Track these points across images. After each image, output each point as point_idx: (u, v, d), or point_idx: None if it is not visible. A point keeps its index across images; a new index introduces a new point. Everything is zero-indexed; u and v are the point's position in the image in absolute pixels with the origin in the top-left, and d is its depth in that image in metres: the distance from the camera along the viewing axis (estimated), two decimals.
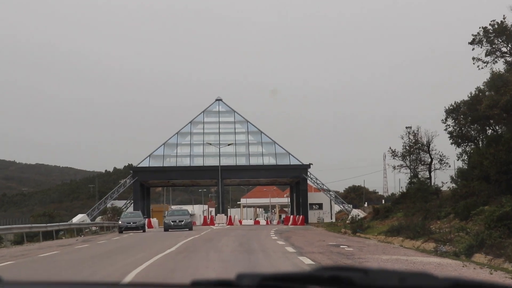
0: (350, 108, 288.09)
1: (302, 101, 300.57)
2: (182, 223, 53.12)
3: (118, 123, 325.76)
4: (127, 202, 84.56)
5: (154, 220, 74.27)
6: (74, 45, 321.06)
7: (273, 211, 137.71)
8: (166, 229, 52.40)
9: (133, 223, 53.69)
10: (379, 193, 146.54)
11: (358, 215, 65.74)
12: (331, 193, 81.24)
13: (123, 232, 52.79)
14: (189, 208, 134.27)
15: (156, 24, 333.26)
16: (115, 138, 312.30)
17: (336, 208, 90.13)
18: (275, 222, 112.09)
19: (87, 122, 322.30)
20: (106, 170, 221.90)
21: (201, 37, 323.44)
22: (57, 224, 44.57)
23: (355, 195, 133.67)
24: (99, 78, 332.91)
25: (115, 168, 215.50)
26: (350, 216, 65.09)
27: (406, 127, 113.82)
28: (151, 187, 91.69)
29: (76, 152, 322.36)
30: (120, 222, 54.70)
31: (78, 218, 70.70)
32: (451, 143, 56.50)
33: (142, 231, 53.61)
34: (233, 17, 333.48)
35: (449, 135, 56.11)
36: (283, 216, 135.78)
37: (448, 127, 56.06)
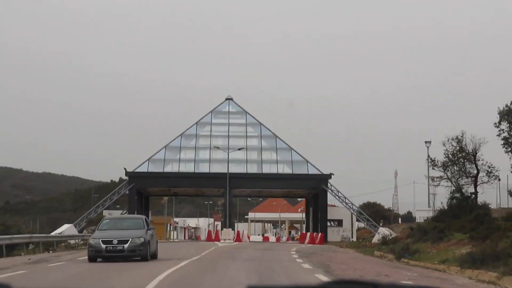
0: (366, 121, 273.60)
1: (315, 114, 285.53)
2: (125, 247, 24.39)
3: (125, 132, 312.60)
4: (123, 212, 72.61)
5: None
6: (79, 56, 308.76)
7: (282, 226, 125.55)
8: (92, 259, 24.58)
9: None
10: (395, 211, 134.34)
11: (390, 235, 53.61)
12: (354, 208, 68.93)
13: None
14: (193, 221, 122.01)
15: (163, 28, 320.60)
16: (122, 148, 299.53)
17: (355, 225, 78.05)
18: (284, 238, 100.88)
19: (94, 132, 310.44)
20: (111, 180, 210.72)
21: (215, 44, 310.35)
22: (8, 236, 32.34)
23: (370, 212, 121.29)
24: (110, 87, 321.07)
25: (121, 179, 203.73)
26: (380, 236, 52.82)
27: (425, 142, 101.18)
28: (150, 196, 79.11)
29: (83, 162, 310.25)
30: None
31: (63, 229, 59.08)
32: (506, 151, 45.01)
33: None
34: (247, 26, 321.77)
35: (503, 142, 44.73)
36: (293, 232, 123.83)
37: (502, 132, 44.70)
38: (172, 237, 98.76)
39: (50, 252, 36.85)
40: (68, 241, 44.44)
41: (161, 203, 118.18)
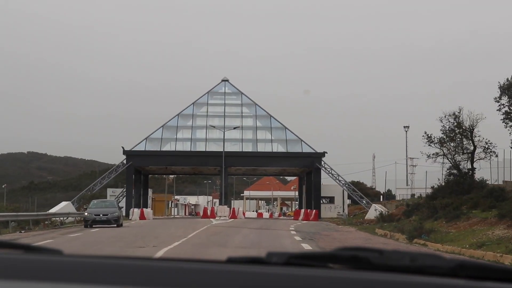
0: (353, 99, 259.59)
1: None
2: None
3: (136, 118, 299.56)
4: (123, 190, 63.45)
5: (147, 211, 52.87)
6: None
7: (274, 203, 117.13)
8: None
9: (103, 215, 32.64)
10: (375, 190, 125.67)
11: (387, 211, 44.79)
12: (347, 185, 59.86)
13: (93, 226, 31.94)
14: (193, 198, 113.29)
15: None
16: (134, 133, 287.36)
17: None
18: (276, 214, 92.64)
19: (108, 122, 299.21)
20: (122, 163, 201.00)
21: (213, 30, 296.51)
22: None
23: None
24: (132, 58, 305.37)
25: None
26: (377, 213, 43.84)
27: (404, 127, 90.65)
28: (149, 174, 69.81)
29: (99, 146, 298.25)
30: (86, 214, 33.64)
31: (60, 206, 49.82)
32: (506, 126, 36.35)
33: (115, 225, 32.59)
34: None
35: (503, 116, 36.08)
36: (285, 208, 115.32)
37: (502, 106, 36.06)
38: (173, 214, 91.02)
39: (22, 232, 27.74)
40: (52, 219, 35.19)
41: (168, 183, 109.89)
